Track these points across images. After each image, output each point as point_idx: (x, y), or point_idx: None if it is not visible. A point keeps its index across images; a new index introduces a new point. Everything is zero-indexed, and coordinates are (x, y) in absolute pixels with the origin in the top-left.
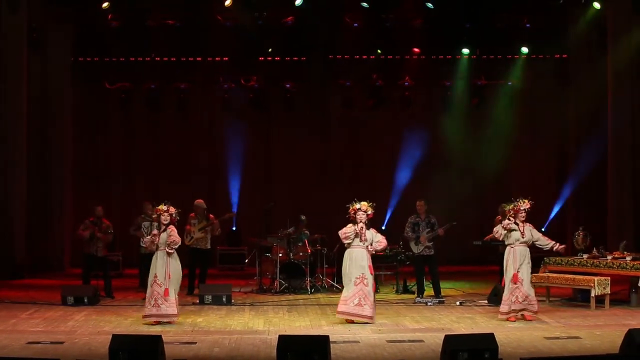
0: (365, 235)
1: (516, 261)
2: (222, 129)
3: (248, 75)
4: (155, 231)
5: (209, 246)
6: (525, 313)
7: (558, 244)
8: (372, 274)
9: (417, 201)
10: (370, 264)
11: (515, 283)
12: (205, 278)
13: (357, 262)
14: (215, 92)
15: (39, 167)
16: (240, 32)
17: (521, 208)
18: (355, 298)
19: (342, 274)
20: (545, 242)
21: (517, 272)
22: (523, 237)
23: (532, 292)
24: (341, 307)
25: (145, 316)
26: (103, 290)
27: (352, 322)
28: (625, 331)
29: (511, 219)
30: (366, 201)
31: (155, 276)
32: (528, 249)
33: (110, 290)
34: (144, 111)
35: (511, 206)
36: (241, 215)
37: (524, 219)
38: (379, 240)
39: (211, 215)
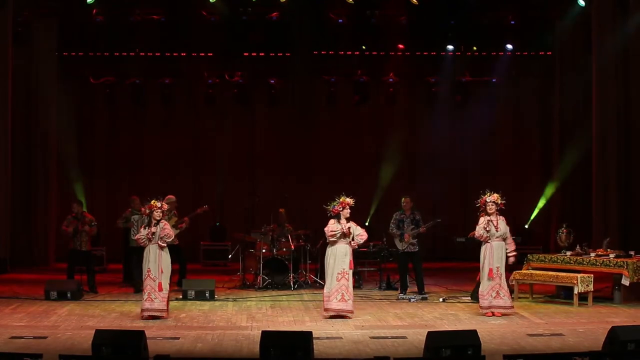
0: (350, 232)
1: (492, 256)
2: (206, 124)
3: (232, 70)
4: (153, 228)
5: (177, 241)
6: (506, 311)
7: (512, 253)
8: (351, 268)
9: (403, 197)
10: (352, 259)
11: (492, 279)
12: (185, 273)
13: (339, 258)
14: (200, 88)
15: (24, 162)
16: (224, 27)
17: (487, 200)
18: (338, 294)
19: (325, 270)
20: (507, 244)
21: (497, 267)
22: (498, 231)
23: (506, 285)
24: (326, 305)
25: (143, 310)
26: (87, 285)
27: (336, 317)
28: (608, 328)
29: (483, 215)
30: (349, 197)
31: (149, 270)
32: (503, 243)
33: (94, 285)
34: (129, 106)
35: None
36: (225, 210)
37: (492, 211)
38: (359, 234)
39: (175, 212)
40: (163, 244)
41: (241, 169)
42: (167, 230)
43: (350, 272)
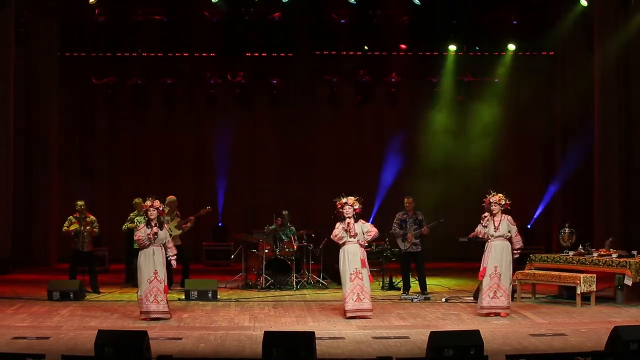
0: (354, 230)
1: (490, 255)
2: (208, 124)
3: (234, 70)
4: (154, 228)
5: (180, 242)
6: (502, 312)
7: (517, 251)
8: (365, 267)
9: (405, 198)
10: (364, 257)
11: (491, 278)
12: (188, 273)
13: (350, 258)
14: (202, 88)
15: (25, 162)
16: (226, 27)
17: (490, 200)
18: (354, 294)
19: (340, 272)
20: (514, 241)
21: (495, 267)
22: (497, 231)
23: (508, 285)
24: (345, 306)
25: (143, 312)
26: (89, 286)
27: (355, 317)
28: (611, 328)
29: (487, 214)
30: (353, 196)
31: (156, 272)
32: (508, 243)
33: (96, 285)
34: (131, 106)
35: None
36: (227, 210)
37: (496, 212)
38: (368, 231)
39: (178, 212)
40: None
41: (243, 169)
42: (172, 247)
43: (364, 270)
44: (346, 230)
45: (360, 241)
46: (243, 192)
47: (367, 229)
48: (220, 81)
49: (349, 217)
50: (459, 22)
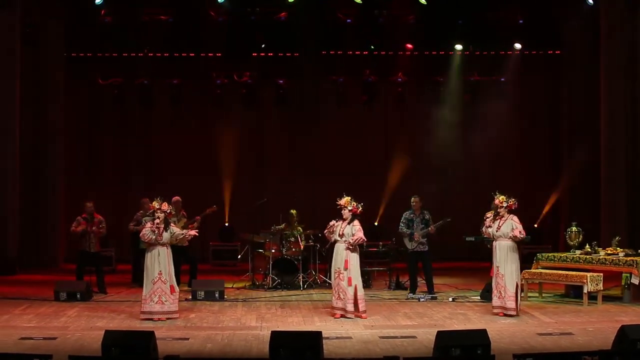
0: (340, 230)
1: (495, 255)
2: (214, 124)
3: (241, 71)
4: (160, 224)
5: (187, 243)
6: (502, 312)
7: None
8: (347, 268)
9: (413, 197)
10: (349, 259)
11: (495, 278)
12: (196, 273)
13: (336, 257)
14: (208, 88)
15: (32, 162)
16: (232, 27)
17: (495, 202)
18: (335, 292)
19: None
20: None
21: (497, 267)
22: (498, 231)
23: (511, 288)
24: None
25: (144, 312)
26: (96, 286)
27: (334, 315)
28: (617, 327)
29: (489, 214)
30: (349, 196)
31: (160, 273)
32: (511, 243)
33: (103, 285)
34: (137, 107)
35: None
36: (234, 211)
37: (502, 213)
38: (353, 234)
39: (184, 212)
40: (186, 244)
41: (249, 168)
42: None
43: (346, 272)
44: (330, 232)
45: (346, 242)
46: (249, 192)
47: (354, 232)
48: (226, 81)
49: (345, 218)
50: (465, 21)
